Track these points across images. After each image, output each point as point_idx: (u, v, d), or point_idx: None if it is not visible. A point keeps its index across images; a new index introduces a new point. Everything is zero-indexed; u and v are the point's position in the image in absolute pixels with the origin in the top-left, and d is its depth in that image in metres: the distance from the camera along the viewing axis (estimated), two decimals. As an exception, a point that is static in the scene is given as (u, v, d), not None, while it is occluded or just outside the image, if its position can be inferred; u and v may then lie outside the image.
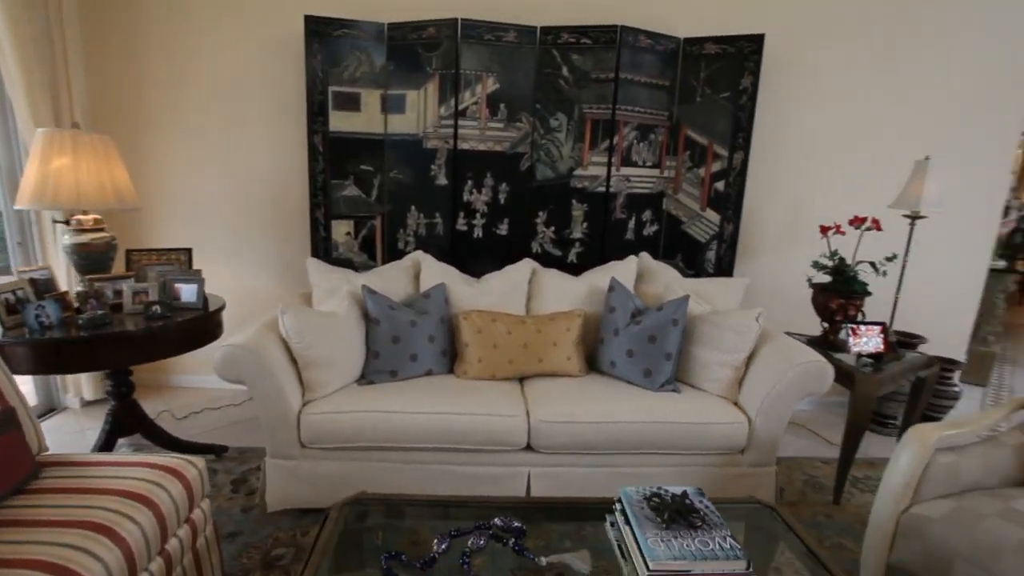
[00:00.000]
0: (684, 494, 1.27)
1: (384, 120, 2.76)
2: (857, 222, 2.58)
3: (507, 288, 2.53)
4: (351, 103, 2.71)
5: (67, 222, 2.23)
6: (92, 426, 2.67)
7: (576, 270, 2.76)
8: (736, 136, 2.86)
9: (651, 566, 1.08)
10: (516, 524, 1.30)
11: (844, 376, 2.22)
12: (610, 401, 2.11)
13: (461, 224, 2.85)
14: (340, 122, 2.71)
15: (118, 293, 2.18)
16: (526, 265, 2.61)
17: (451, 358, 2.37)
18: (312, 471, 2.00)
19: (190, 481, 1.50)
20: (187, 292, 2.24)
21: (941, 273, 3.12)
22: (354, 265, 2.85)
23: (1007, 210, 3.93)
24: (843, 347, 2.45)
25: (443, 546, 1.21)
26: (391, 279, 2.49)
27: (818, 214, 3.03)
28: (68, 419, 2.77)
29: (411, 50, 2.68)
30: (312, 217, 2.77)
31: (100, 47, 2.81)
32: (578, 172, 2.85)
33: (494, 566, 1.22)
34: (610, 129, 2.79)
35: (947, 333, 3.17)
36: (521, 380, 2.34)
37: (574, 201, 2.88)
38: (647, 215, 3.01)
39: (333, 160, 2.73)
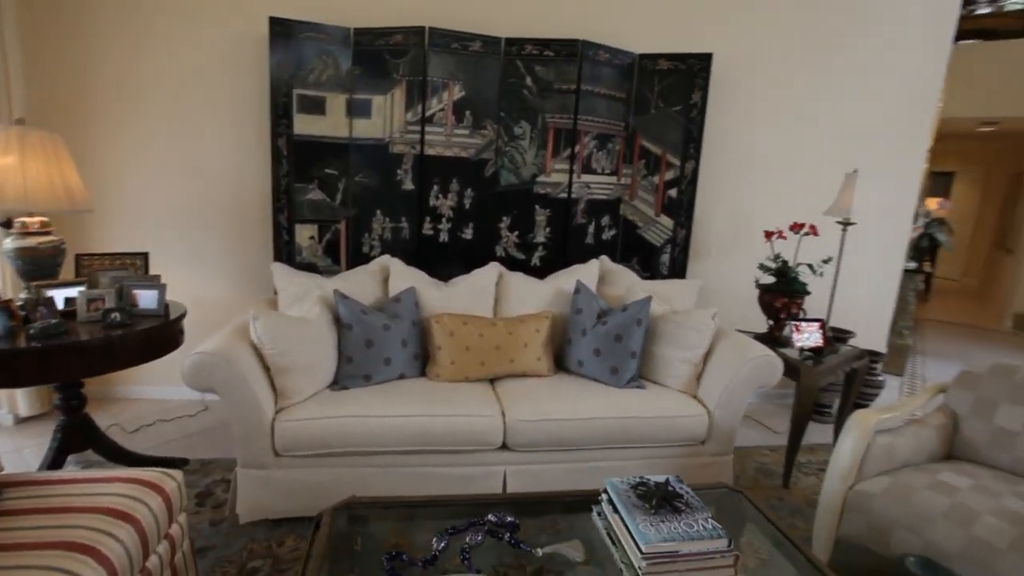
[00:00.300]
0: (667, 481, 1.37)
1: (349, 124, 2.74)
2: (796, 228, 2.81)
3: (475, 291, 2.58)
4: (316, 107, 2.68)
5: (8, 224, 2.09)
6: (31, 444, 2.50)
7: (539, 273, 2.85)
8: (687, 146, 3.04)
9: (644, 549, 1.16)
10: (510, 519, 1.35)
11: (790, 369, 2.42)
12: (580, 399, 2.20)
13: (427, 228, 2.87)
14: (305, 125, 2.67)
15: (70, 300, 2.06)
16: (493, 269, 2.67)
17: (423, 361, 2.39)
18: (286, 480, 1.97)
19: (169, 494, 1.46)
20: (146, 298, 2.15)
21: (865, 274, 3.44)
22: (318, 270, 2.81)
23: (916, 217, 4.37)
24: (787, 342, 2.66)
25: (443, 544, 1.25)
26: (359, 283, 2.49)
27: (762, 220, 3.27)
28: (2, 438, 2.57)
29: (378, 56, 2.68)
30: (275, 221, 2.71)
31: (40, 39, 2.64)
32: (541, 179, 2.94)
33: (493, 560, 1.28)
34: (572, 138, 2.90)
35: (870, 328, 3.50)
36: (492, 381, 2.39)
37: (537, 207, 2.97)
38: (606, 220, 3.14)
39: (297, 163, 2.69)
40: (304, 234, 2.79)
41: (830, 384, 3.16)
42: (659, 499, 1.28)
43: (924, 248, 5.35)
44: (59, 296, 2.08)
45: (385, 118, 2.75)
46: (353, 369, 2.18)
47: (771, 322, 2.83)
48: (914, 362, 4.72)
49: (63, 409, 2.14)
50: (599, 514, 1.41)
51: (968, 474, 1.77)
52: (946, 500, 1.62)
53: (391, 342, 2.24)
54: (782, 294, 2.75)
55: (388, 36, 2.66)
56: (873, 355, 3.20)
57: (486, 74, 2.79)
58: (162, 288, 2.16)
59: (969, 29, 6.18)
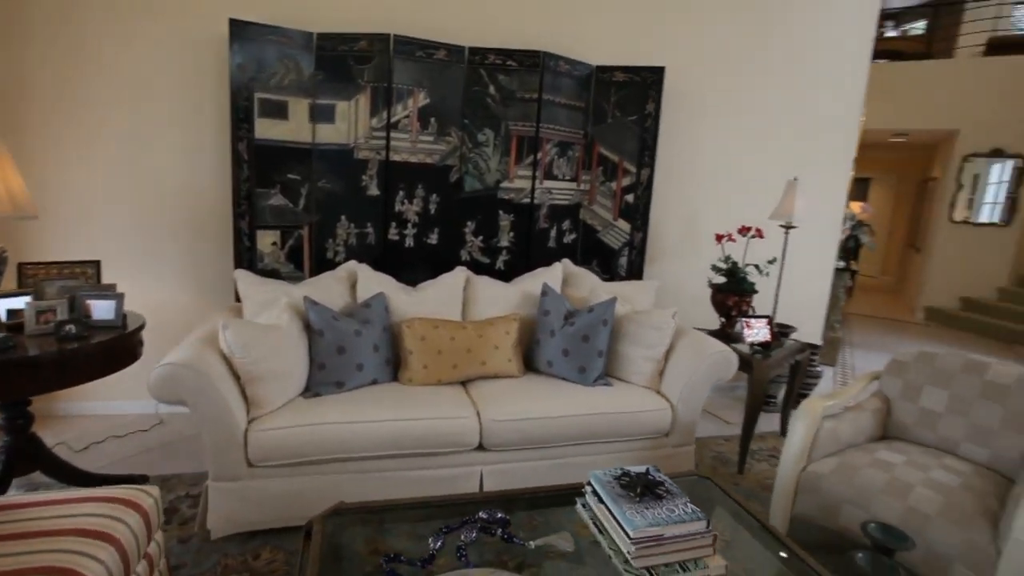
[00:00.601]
0: (647, 471, 1.46)
1: (312, 129, 2.71)
2: (744, 231, 3.01)
3: (444, 296, 2.61)
4: (278, 111, 2.63)
5: (-59, 234, 1.94)
6: (-37, 469, 2.30)
7: (504, 277, 2.92)
8: (643, 154, 3.20)
9: (632, 534, 1.24)
10: (500, 515, 1.40)
11: (743, 363, 2.59)
12: (552, 398, 2.28)
13: (393, 234, 2.87)
14: (267, 130, 2.61)
15: (14, 312, 1.93)
16: (460, 273, 2.71)
17: (395, 366, 2.40)
18: (261, 491, 1.93)
19: (147, 511, 1.42)
20: (101, 309, 2.05)
21: (802, 273, 3.72)
22: (281, 276, 2.76)
23: (844, 220, 4.76)
24: (739, 338, 2.85)
25: (439, 543, 1.28)
26: (327, 289, 2.46)
27: (712, 224, 3.48)
28: (-73, 464, 2.36)
29: (342, 61, 2.67)
30: (236, 227, 2.64)
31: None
32: (505, 184, 3.01)
33: (488, 556, 1.32)
34: (534, 145, 2.99)
35: (808, 323, 3.79)
36: (464, 383, 2.43)
37: (501, 212, 3.04)
38: (566, 224, 3.24)
39: (259, 168, 2.63)
40: (266, 240, 2.72)
41: (776, 376, 3.40)
42: (642, 487, 1.36)
43: (850, 248, 5.80)
44: (1, 307, 1.96)
45: (350, 123, 2.73)
46: (325, 376, 2.17)
47: (723, 319, 3.02)
48: (844, 353, 5.12)
49: (7, 429, 2.00)
50: (583, 505, 1.49)
51: (901, 451, 1.98)
52: (884, 476, 1.80)
53: (363, 348, 2.24)
54: (733, 293, 2.94)
55: (352, 42, 2.65)
56: (812, 348, 3.46)
57: (450, 82, 2.83)
58: (120, 298, 2.07)
59: (880, 50, 6.77)
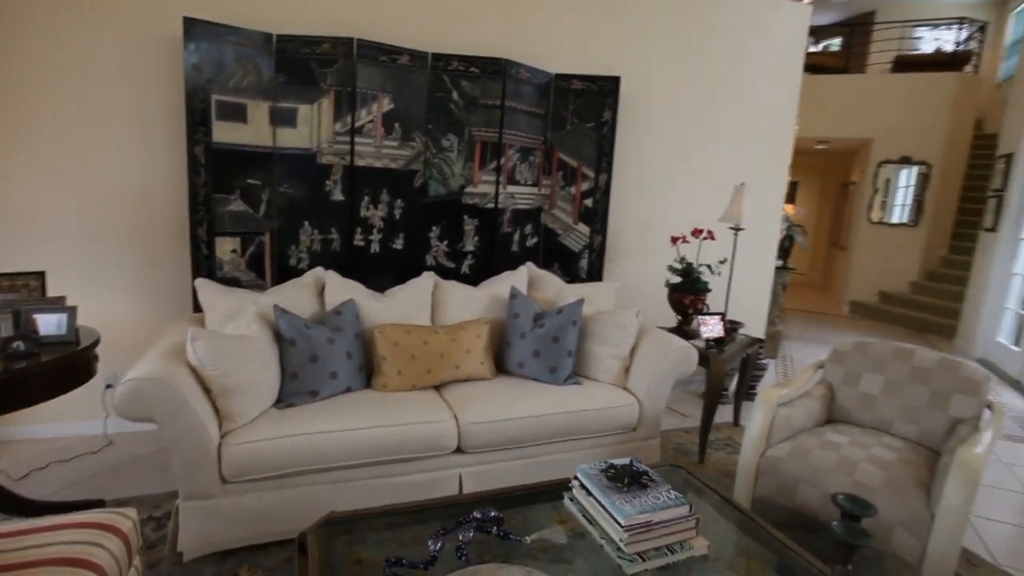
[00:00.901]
0: (631, 463, 1.54)
1: (273, 133, 2.64)
2: (697, 233, 3.19)
3: (413, 301, 2.61)
4: (237, 114, 2.55)
5: None
6: None
7: (469, 281, 2.96)
8: (601, 160, 3.32)
9: (624, 522, 1.32)
10: (494, 513, 1.44)
11: (701, 358, 2.75)
12: (525, 398, 2.34)
13: (359, 239, 2.85)
14: (225, 133, 2.53)
15: (-48, 331, 1.79)
16: (428, 278, 2.73)
17: (368, 373, 2.38)
18: (235, 508, 1.87)
19: (127, 534, 1.36)
20: (49, 324, 1.93)
21: (747, 271, 3.97)
22: (241, 284, 2.67)
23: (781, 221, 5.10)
24: (695, 335, 3.01)
25: (439, 544, 1.31)
26: (294, 297, 2.41)
27: (667, 226, 3.65)
28: None
29: (304, 64, 2.62)
30: (193, 234, 2.53)
31: None
32: (469, 189, 3.04)
33: (486, 553, 1.36)
34: (497, 151, 3.04)
35: (752, 319, 4.04)
36: (438, 388, 2.45)
37: (466, 216, 3.07)
38: (529, 228, 3.32)
39: (217, 173, 2.54)
40: (225, 247, 2.63)
41: (728, 369, 3.60)
42: (629, 478, 1.44)
43: (786, 248, 6.21)
44: (-65, 326, 1.80)
45: (312, 128, 2.69)
46: (299, 385, 2.13)
47: (680, 317, 3.18)
48: (783, 346, 5.48)
49: (-56, 457, 1.84)
50: (571, 499, 1.55)
51: (845, 433, 2.17)
52: (833, 455, 1.98)
53: (336, 355, 2.21)
54: (688, 292, 3.11)
55: (314, 45, 2.61)
56: (759, 342, 3.70)
57: (414, 87, 2.84)
58: (71, 311, 1.95)
59: (805, 64, 7.33)
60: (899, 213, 7.80)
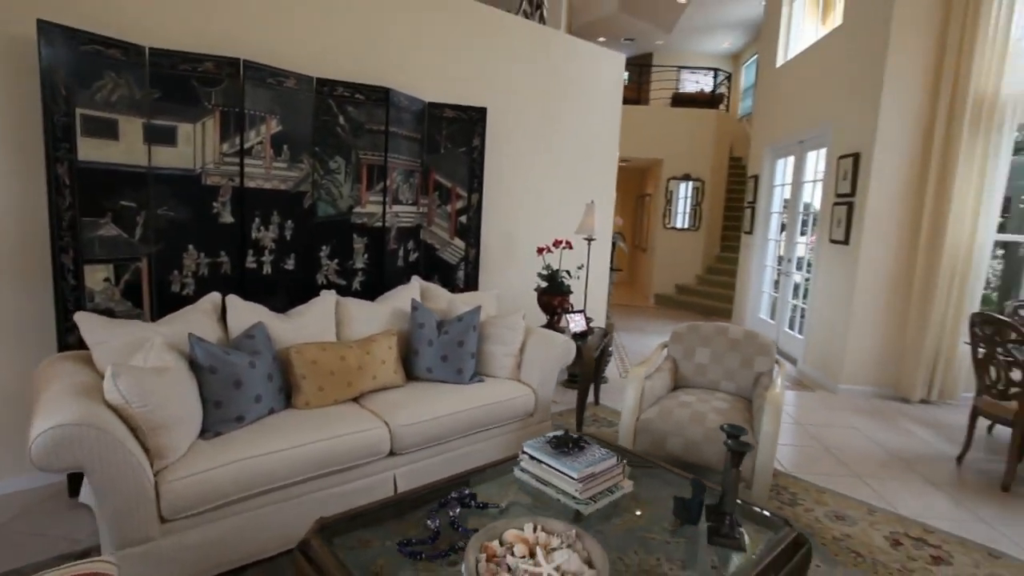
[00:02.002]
0: (565, 433, 1.93)
1: (148, 151, 2.47)
2: (558, 244, 3.75)
3: (318, 319, 2.68)
4: (107, 130, 2.34)
5: None
6: None
7: (360, 296, 3.09)
8: (472, 181, 3.69)
9: (577, 476, 1.70)
10: (467, 491, 1.71)
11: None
12: (442, 399, 2.59)
13: (251, 262, 2.79)
14: (93, 151, 2.30)
15: None
16: (330, 296, 2.80)
17: (287, 393, 2.40)
18: (178, 547, 1.81)
19: (112, 577, 1.32)
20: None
21: (591, 274, 4.70)
22: (116, 315, 2.44)
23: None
24: (563, 330, 3.56)
25: (436, 522, 1.54)
26: (195, 324, 2.32)
27: (532, 238, 4.16)
28: None
29: (184, 82, 2.50)
30: (56, 263, 2.25)
31: None
32: (357, 209, 3.17)
33: (474, 523, 1.62)
34: (383, 173, 3.22)
35: (598, 315, 4.80)
36: (356, 399, 2.57)
37: (355, 235, 3.19)
38: (411, 244, 3.54)
39: (84, 194, 2.30)
40: (97, 276, 2.38)
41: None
42: (571, 444, 1.83)
43: (611, 252, 7.29)
44: None
45: (195, 147, 2.57)
46: (224, 413, 2.09)
47: (549, 316, 3.70)
48: (616, 336, 6.46)
49: None
50: (522, 470, 1.89)
51: (691, 394, 2.87)
52: (688, 411, 2.63)
53: (258, 379, 2.21)
54: (555, 294, 3.65)
55: (197, 62, 2.52)
56: (609, 333, 4.43)
57: (301, 110, 2.88)
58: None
59: (611, 94, 8.70)
60: (682, 220, 9.63)
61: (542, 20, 5.36)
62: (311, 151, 2.95)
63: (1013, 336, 2.93)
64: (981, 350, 3.13)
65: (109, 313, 2.42)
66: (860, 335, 4.47)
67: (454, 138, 3.60)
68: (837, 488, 2.87)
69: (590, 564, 1.30)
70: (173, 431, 1.86)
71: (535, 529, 1.39)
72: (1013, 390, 2.94)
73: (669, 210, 9.44)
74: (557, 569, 1.25)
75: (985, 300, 4.45)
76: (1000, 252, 4.87)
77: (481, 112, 3.63)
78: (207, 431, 2.05)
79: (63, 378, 1.90)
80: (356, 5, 3.22)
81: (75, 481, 2.41)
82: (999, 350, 3.01)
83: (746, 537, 1.60)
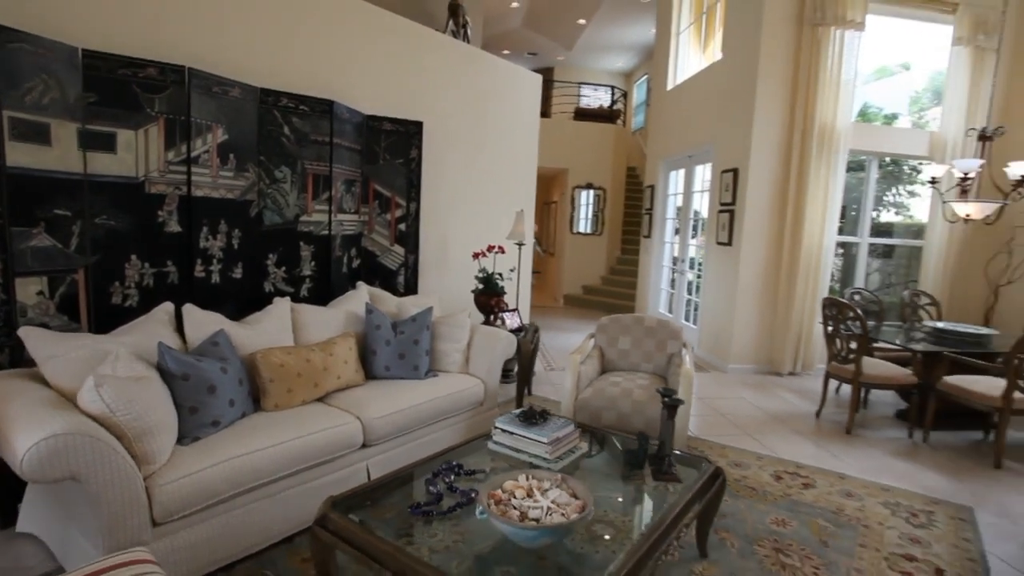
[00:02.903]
0: (530, 408, 2.22)
1: (83, 158, 2.40)
2: (491, 249, 4.04)
3: (276, 325, 2.74)
4: (38, 134, 2.25)
5: None
6: None
7: (308, 303, 3.15)
8: (410, 191, 3.88)
9: (547, 440, 1.99)
10: (455, 463, 1.94)
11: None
12: (403, 393, 2.76)
13: (199, 271, 2.77)
14: (23, 156, 2.20)
15: None
16: (284, 303, 2.86)
17: (255, 397, 2.45)
18: (170, 549, 1.84)
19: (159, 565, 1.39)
20: None
21: (515, 276, 5.04)
22: (50, 330, 2.33)
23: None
24: (501, 327, 3.84)
25: (436, 487, 1.76)
26: (152, 334, 2.30)
27: (467, 243, 4.41)
28: None
29: (124, 86, 2.46)
30: (-14, 276, 2.13)
31: None
32: (304, 218, 3.23)
33: (464, 487, 1.85)
34: (328, 182, 3.31)
35: (524, 313, 5.14)
36: (321, 399, 2.66)
37: (302, 243, 3.25)
38: (353, 252, 3.65)
39: (14, 203, 2.19)
40: (29, 289, 2.27)
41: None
42: (538, 416, 2.12)
43: (536, 256, 7.70)
44: None
45: (138, 155, 2.53)
46: (200, 418, 2.12)
47: (486, 315, 3.97)
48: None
49: None
50: (496, 443, 2.15)
51: (618, 376, 3.28)
52: (617, 389, 3.03)
53: (230, 384, 2.26)
54: (491, 295, 3.93)
55: (138, 67, 2.48)
56: (537, 329, 4.79)
57: (246, 120, 2.91)
58: None
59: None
60: (587, 225, 10.35)
61: (466, 38, 5.63)
62: (257, 160, 2.98)
63: (851, 315, 3.70)
64: (829, 327, 3.91)
65: (44, 328, 2.31)
66: (743, 323, 5.24)
67: (393, 150, 3.76)
68: (733, 444, 3.48)
69: (576, 497, 1.59)
70: (157, 437, 1.89)
71: (528, 479, 1.66)
72: (851, 356, 3.73)
73: (575, 216, 10.11)
74: (553, 502, 1.53)
75: (831, 290, 5.45)
76: (840, 251, 5.93)
77: (418, 125, 3.82)
78: (184, 437, 2.08)
79: (21, 394, 1.85)
80: (301, 19, 3.29)
81: (8, 512, 2.26)
82: (841, 326, 3.80)
83: (680, 473, 2.00)
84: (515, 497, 1.56)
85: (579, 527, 1.61)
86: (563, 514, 1.51)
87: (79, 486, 1.70)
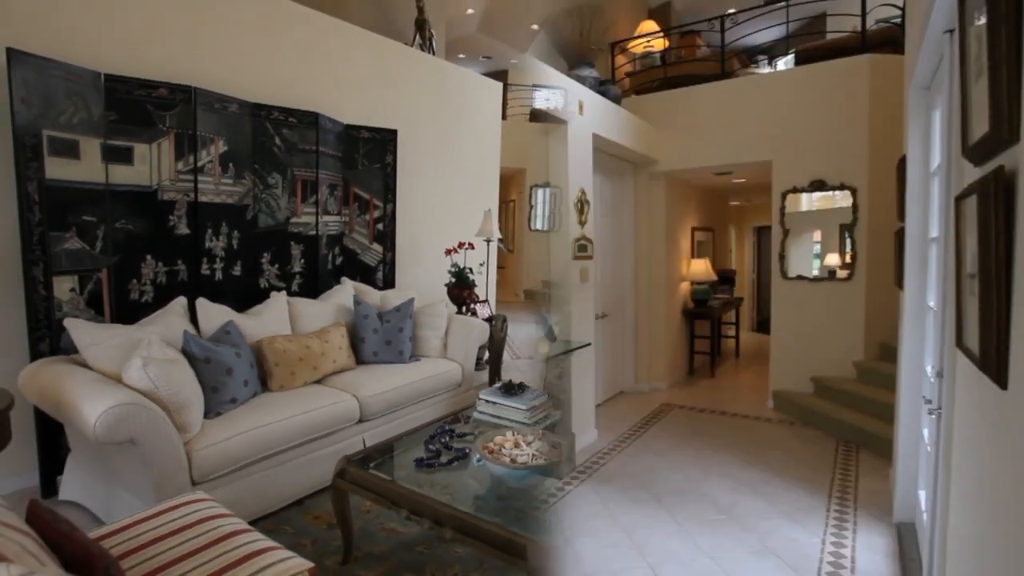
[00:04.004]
0: (510, 381, 2.66)
1: (106, 169, 2.67)
2: (462, 246, 4.45)
3: (275, 316, 3.08)
4: (69, 150, 2.52)
5: None
6: None
7: (298, 297, 3.49)
8: (387, 193, 4.24)
9: (526, 407, 2.44)
10: (447, 427, 2.36)
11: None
12: (392, 375, 3.16)
13: (205, 269, 3.06)
14: (58, 169, 2.47)
15: None
16: (281, 296, 3.20)
17: (262, 380, 2.79)
18: (205, 502, 2.18)
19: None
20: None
21: (482, 271, 5.46)
22: (81, 324, 2.61)
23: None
24: (473, 317, 4.26)
25: (435, 446, 2.18)
26: (172, 324, 2.61)
27: (439, 241, 4.78)
28: None
29: (139, 105, 2.74)
30: (28, 276, 2.39)
31: None
32: (294, 220, 3.56)
33: (458, 444, 2.27)
34: (315, 187, 3.64)
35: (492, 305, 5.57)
36: (319, 381, 3.02)
37: (292, 243, 3.57)
38: (337, 250, 3.99)
39: (52, 211, 2.46)
40: (64, 286, 2.54)
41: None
42: (517, 387, 2.57)
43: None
44: None
45: (152, 166, 2.81)
46: (221, 396, 2.46)
47: (459, 307, 4.39)
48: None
49: None
50: (480, 412, 2.58)
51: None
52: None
53: (244, 367, 2.60)
54: (463, 288, 4.35)
55: (151, 88, 2.77)
56: (505, 319, 5.23)
57: (243, 132, 3.21)
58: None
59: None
60: (542, 223, 10.87)
61: (432, 51, 5.99)
62: (252, 168, 3.29)
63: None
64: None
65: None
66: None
67: (370, 155, 4.10)
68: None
69: (554, 448, 2.05)
70: (192, 410, 2.23)
71: (514, 434, 2.11)
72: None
73: (533, 214, 10.60)
74: (537, 450, 1.98)
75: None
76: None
77: (392, 133, 4.18)
78: (209, 412, 2.41)
79: (75, 375, 2.16)
80: (286, 38, 3.59)
81: (48, 483, 2.54)
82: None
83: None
84: (504, 448, 2.00)
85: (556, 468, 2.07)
86: (545, 459, 1.96)
87: (123, 454, 2.04)
